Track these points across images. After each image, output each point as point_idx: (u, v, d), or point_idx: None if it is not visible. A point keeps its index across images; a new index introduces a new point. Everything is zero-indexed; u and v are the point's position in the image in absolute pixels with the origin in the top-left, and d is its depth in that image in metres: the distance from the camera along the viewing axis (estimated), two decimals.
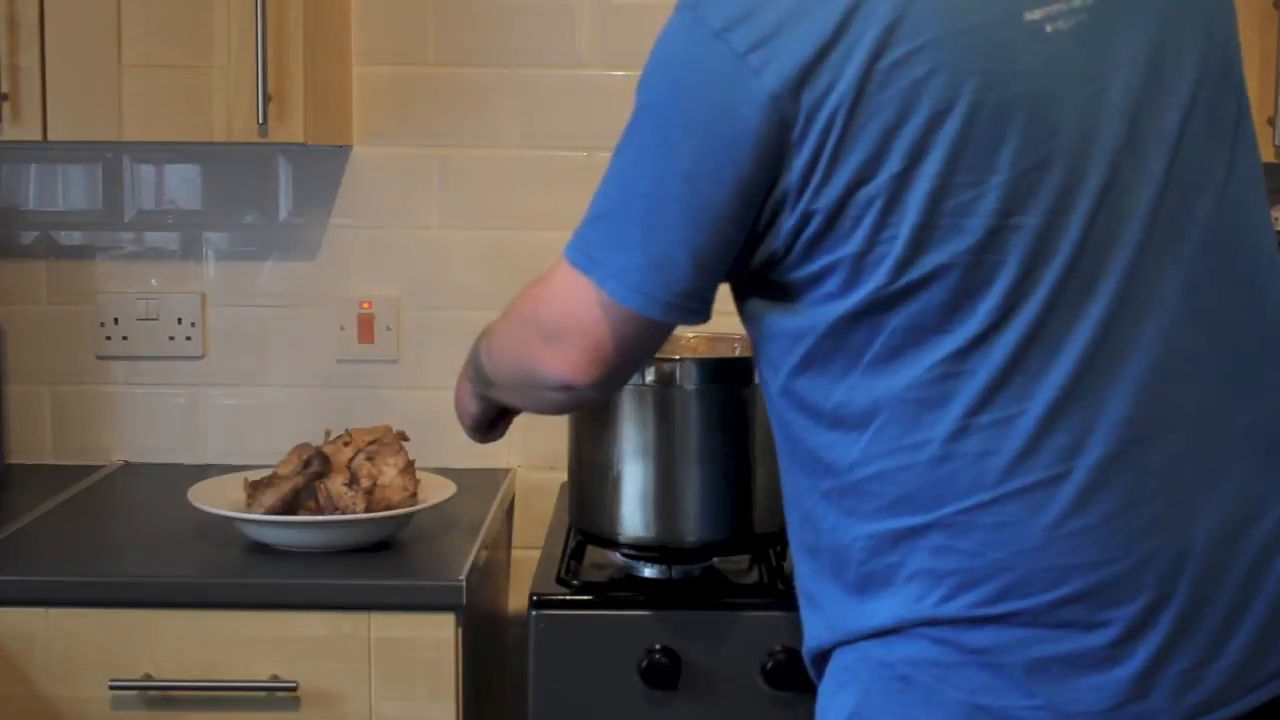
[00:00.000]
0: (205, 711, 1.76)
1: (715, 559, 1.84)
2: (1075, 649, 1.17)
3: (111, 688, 1.74)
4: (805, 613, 1.33)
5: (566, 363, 1.29)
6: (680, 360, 1.81)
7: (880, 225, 1.16)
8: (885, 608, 1.22)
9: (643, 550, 1.81)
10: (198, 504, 1.87)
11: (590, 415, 1.82)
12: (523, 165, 2.30)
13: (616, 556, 1.84)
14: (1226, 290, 1.21)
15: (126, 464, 2.34)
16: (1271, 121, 1.93)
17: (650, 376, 1.78)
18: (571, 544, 1.90)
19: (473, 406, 1.61)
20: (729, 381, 1.79)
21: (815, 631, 1.31)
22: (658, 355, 1.86)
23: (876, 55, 1.14)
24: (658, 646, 1.70)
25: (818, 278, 1.21)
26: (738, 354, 1.95)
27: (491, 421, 1.63)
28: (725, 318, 2.26)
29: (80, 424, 2.34)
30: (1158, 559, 1.16)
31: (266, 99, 1.92)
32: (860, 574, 1.23)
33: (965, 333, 1.17)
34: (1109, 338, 1.16)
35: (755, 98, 1.16)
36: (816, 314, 1.22)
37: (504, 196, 2.31)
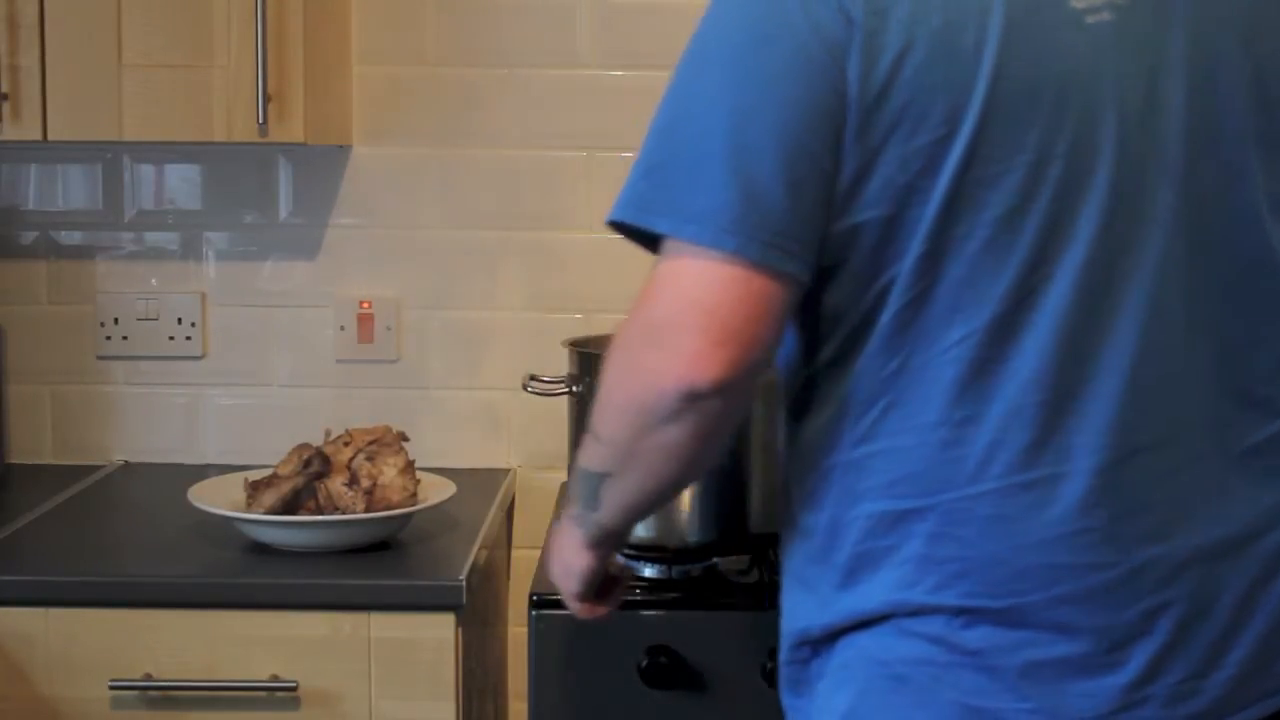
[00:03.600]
0: (205, 711, 1.76)
1: (715, 559, 1.84)
2: (1069, 653, 1.16)
3: (111, 688, 1.74)
4: (794, 595, 1.30)
5: (680, 357, 1.11)
6: None
7: (912, 189, 1.14)
8: (875, 591, 1.20)
9: (643, 550, 1.81)
10: (198, 504, 1.87)
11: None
12: (523, 165, 2.30)
13: (616, 557, 1.84)
14: (1242, 307, 1.20)
15: (126, 464, 2.34)
16: None
17: None
18: None
19: (580, 560, 1.38)
20: None
21: (805, 612, 1.27)
22: None
23: (925, 19, 1.12)
24: (658, 646, 1.70)
25: (848, 241, 1.16)
26: None
27: (601, 586, 1.44)
28: None
29: (80, 424, 2.34)
30: (1156, 567, 1.16)
31: (266, 99, 1.92)
32: (854, 554, 1.21)
33: (983, 314, 1.15)
34: (1125, 341, 1.15)
35: (833, 15, 1.12)
36: (843, 286, 1.19)
37: (504, 196, 2.30)
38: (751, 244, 1.10)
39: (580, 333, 2.13)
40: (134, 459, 2.35)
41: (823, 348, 1.22)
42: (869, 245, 1.16)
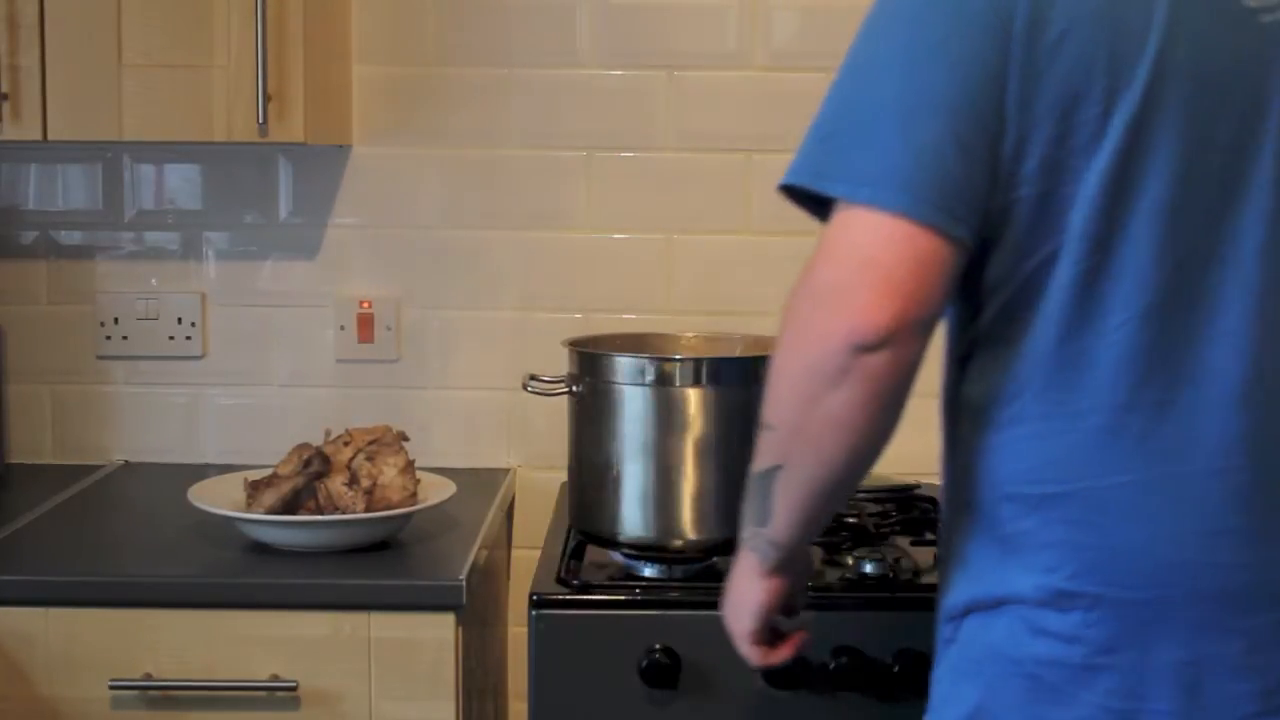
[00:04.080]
0: (205, 711, 1.76)
1: (715, 559, 1.84)
2: (1208, 654, 1.15)
3: (111, 688, 1.74)
4: (950, 570, 1.29)
5: (849, 311, 1.11)
6: (680, 360, 1.81)
7: (1068, 167, 1.14)
8: (1020, 575, 1.19)
9: (643, 550, 1.81)
10: (198, 504, 1.87)
11: (590, 415, 1.82)
12: (523, 165, 2.30)
13: (616, 556, 1.84)
14: None
15: (126, 464, 2.34)
16: None
17: (650, 376, 1.78)
18: (571, 544, 1.90)
19: (754, 592, 1.34)
20: (729, 381, 1.79)
21: (961, 587, 1.26)
22: (658, 355, 1.87)
23: None
24: (658, 646, 1.70)
25: (1005, 216, 1.16)
26: (738, 354, 1.95)
27: (776, 629, 1.39)
28: (726, 318, 2.27)
29: (80, 424, 2.34)
30: None
31: (266, 99, 1.92)
32: (1004, 534, 1.21)
33: (1141, 301, 1.14)
34: None
35: None
36: (1000, 261, 1.18)
37: (504, 196, 2.30)
38: (922, 205, 1.11)
39: (580, 333, 2.13)
40: (134, 459, 2.35)
41: (979, 320, 1.22)
42: (1025, 222, 1.16)
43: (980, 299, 1.21)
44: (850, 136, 1.15)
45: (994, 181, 1.14)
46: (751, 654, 1.39)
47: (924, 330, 1.14)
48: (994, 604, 1.22)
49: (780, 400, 1.20)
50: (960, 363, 1.26)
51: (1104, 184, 1.13)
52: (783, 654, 1.40)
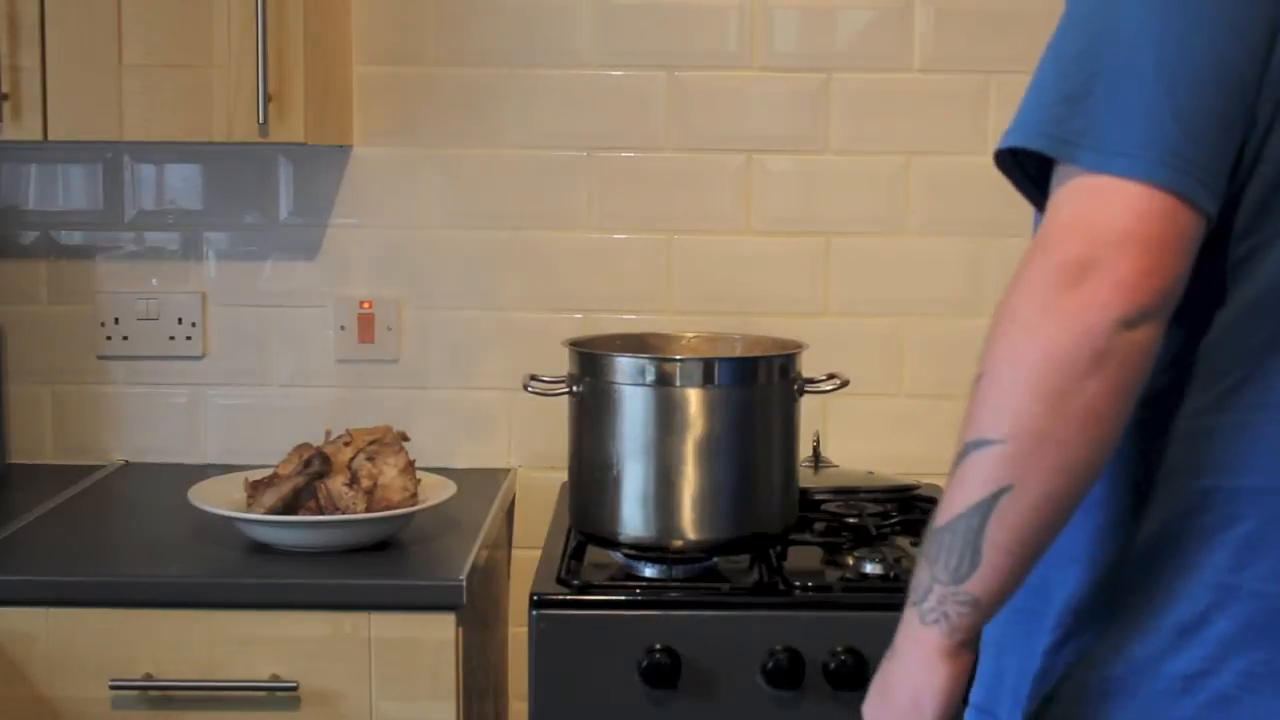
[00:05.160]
0: (205, 711, 1.76)
1: (715, 559, 1.84)
2: None
3: (111, 688, 1.74)
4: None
5: (1112, 286, 1.00)
6: (680, 360, 1.81)
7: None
8: (1199, 575, 1.11)
9: (643, 550, 1.81)
10: (198, 504, 1.87)
11: (590, 415, 1.82)
12: (523, 165, 2.30)
13: (616, 556, 1.84)
14: None
15: (126, 464, 2.34)
16: None
17: (650, 376, 1.78)
18: (571, 544, 1.90)
19: (937, 677, 1.09)
20: (729, 381, 1.79)
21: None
22: (658, 355, 1.87)
23: None
24: (658, 646, 1.70)
25: (1233, 200, 1.08)
26: (738, 354, 1.95)
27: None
28: (726, 318, 2.27)
29: (80, 424, 2.34)
30: None
31: (266, 99, 1.92)
32: (1172, 531, 1.13)
33: None
34: None
35: None
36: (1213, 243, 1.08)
37: (504, 196, 2.30)
38: (1183, 177, 1.01)
39: (580, 333, 2.13)
40: (134, 459, 2.35)
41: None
42: (1249, 209, 1.08)
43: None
44: (1104, 101, 1.03)
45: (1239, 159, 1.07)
46: None
47: (1174, 309, 1.04)
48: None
49: (1009, 406, 1.02)
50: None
51: None
52: None
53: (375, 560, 1.84)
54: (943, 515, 1.07)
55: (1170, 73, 1.02)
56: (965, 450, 1.04)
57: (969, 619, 1.07)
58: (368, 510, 1.85)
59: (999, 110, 2.27)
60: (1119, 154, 1.02)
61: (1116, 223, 1.00)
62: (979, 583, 1.05)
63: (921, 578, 1.09)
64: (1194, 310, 1.09)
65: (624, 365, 1.80)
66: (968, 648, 1.09)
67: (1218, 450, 1.10)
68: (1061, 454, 1.02)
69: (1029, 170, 1.09)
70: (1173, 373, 1.11)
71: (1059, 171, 1.05)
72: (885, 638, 1.28)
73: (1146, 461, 1.13)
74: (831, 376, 1.87)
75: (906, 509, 2.03)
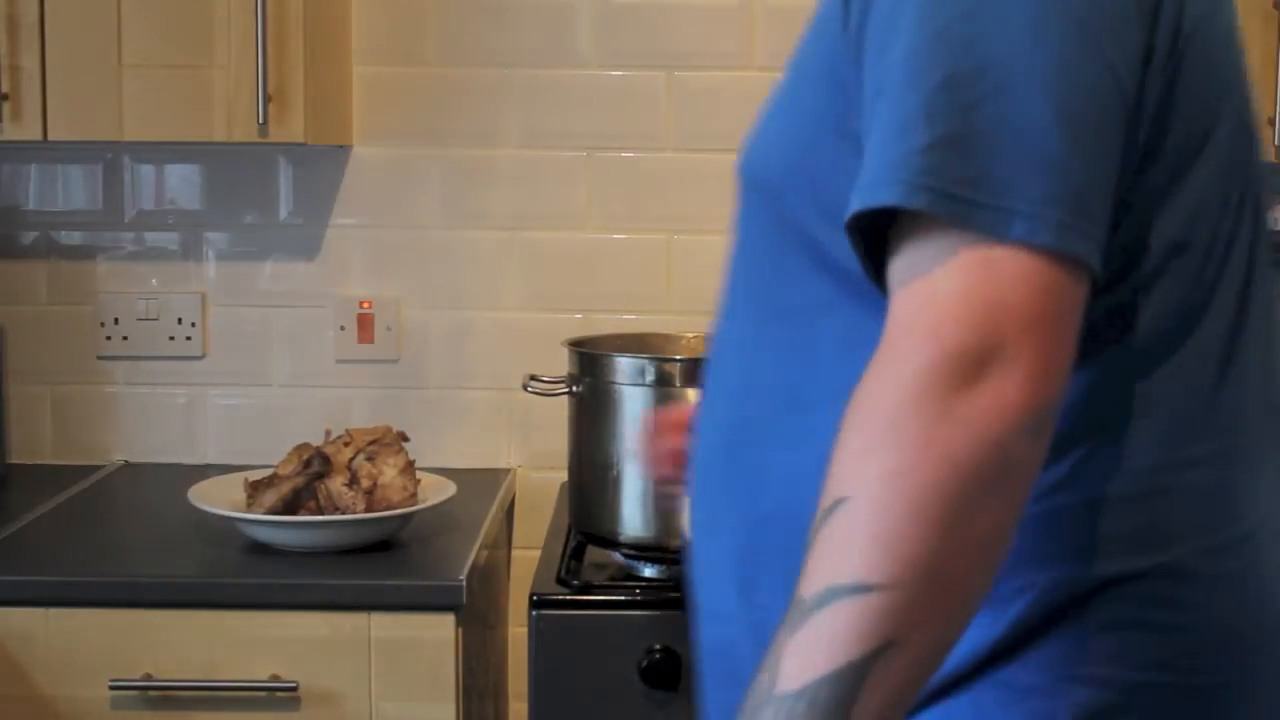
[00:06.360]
0: (205, 711, 1.76)
1: None
2: None
3: (111, 688, 1.74)
4: None
5: (1021, 379, 0.80)
6: (680, 360, 1.81)
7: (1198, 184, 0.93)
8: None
9: (643, 550, 1.81)
10: (198, 504, 1.87)
11: (590, 415, 1.82)
12: (523, 165, 2.30)
13: (616, 556, 1.84)
14: None
15: (126, 464, 2.34)
16: (1272, 121, 1.93)
17: (650, 376, 1.78)
18: (571, 544, 1.90)
19: None
20: None
21: None
22: (658, 355, 1.87)
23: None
24: (658, 646, 1.70)
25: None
26: None
27: None
28: None
29: (80, 424, 2.34)
30: None
31: (266, 99, 1.92)
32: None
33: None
34: None
35: None
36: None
37: (504, 196, 2.31)
38: (1085, 240, 0.83)
39: (580, 333, 2.13)
40: (134, 459, 2.35)
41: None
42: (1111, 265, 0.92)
43: None
44: (990, 138, 0.83)
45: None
46: None
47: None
48: None
49: (890, 540, 0.79)
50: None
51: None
52: None
53: (375, 560, 1.84)
54: (791, 677, 0.80)
55: (1064, 101, 0.83)
56: (827, 597, 0.80)
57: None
58: (367, 510, 1.85)
59: None
60: (1018, 214, 0.82)
61: (1021, 301, 0.81)
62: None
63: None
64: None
65: (624, 365, 1.80)
66: None
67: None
68: (956, 596, 0.82)
69: (863, 227, 0.87)
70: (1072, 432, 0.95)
71: (935, 233, 0.83)
72: None
73: None
74: None
75: None
